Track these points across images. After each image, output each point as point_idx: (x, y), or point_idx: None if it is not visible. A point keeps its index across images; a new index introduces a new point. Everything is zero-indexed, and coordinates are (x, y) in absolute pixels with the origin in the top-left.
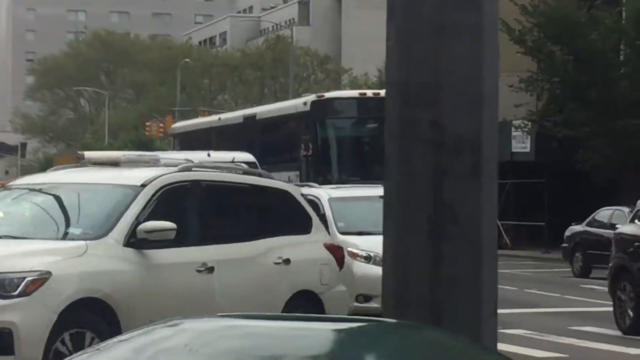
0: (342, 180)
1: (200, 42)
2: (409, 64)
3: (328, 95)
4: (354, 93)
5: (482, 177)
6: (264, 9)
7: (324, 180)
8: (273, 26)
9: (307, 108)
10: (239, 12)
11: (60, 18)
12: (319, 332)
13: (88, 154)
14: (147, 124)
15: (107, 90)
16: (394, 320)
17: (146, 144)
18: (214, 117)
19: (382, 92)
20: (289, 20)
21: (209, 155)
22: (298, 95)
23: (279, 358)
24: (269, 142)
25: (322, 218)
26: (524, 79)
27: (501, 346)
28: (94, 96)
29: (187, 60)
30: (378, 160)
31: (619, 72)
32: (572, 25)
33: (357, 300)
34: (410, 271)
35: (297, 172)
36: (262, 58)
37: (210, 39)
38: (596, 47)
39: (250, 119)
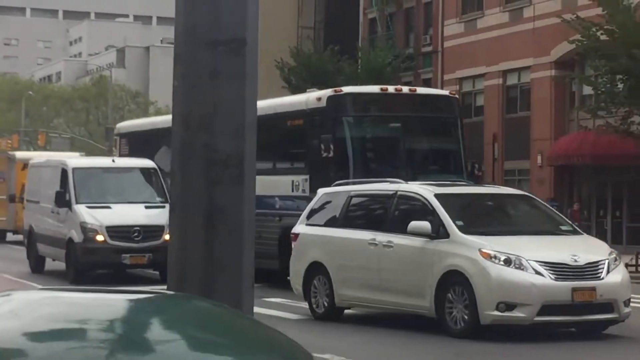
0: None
1: (40, 79)
2: (190, 99)
3: (347, 89)
4: (375, 88)
5: (244, 185)
6: (90, 54)
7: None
8: (97, 68)
9: (323, 104)
10: (71, 56)
11: None
12: (115, 302)
13: (19, 154)
14: None
15: None
16: (172, 292)
17: None
18: None
19: (404, 89)
20: (109, 64)
21: (113, 161)
22: (116, 122)
23: (82, 322)
24: (262, 143)
25: (426, 216)
26: None
27: None
28: None
29: (31, 92)
30: (400, 161)
31: None
32: (323, 72)
33: (497, 309)
34: (189, 256)
35: (306, 177)
36: (88, 92)
37: (49, 76)
38: None
39: None
